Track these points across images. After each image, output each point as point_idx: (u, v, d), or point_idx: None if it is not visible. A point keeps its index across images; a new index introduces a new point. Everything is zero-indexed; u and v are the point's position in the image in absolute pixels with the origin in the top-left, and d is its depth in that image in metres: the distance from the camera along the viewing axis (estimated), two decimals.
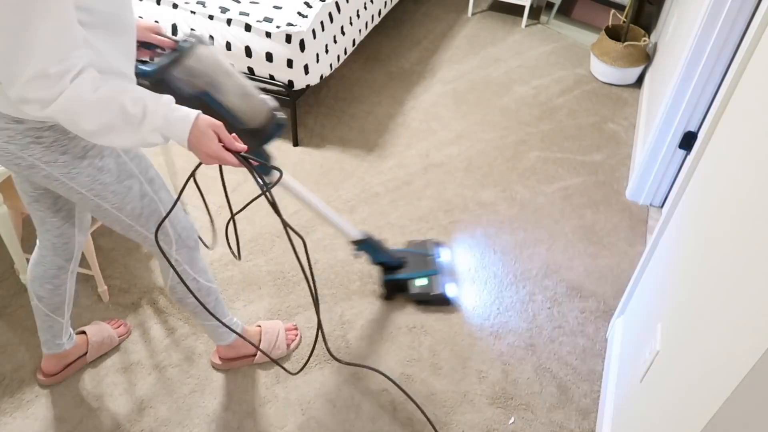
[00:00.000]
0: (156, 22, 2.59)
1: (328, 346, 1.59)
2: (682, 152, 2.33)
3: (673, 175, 2.42)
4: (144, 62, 1.31)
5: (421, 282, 2.06)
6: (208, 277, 1.65)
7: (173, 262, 1.51)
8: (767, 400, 0.85)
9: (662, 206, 2.53)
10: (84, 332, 1.87)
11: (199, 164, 1.22)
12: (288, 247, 2.28)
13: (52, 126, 1.18)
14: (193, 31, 1.40)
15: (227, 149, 1.17)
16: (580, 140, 2.87)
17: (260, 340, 1.87)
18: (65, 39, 0.99)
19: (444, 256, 2.20)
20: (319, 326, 1.41)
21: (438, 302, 2.07)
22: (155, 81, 1.28)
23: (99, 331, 1.89)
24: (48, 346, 1.75)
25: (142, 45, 1.36)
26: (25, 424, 1.73)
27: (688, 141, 2.28)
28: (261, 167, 1.51)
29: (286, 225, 1.25)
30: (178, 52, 1.31)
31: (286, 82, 2.59)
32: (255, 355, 1.88)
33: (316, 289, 1.40)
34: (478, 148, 2.80)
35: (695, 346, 1.14)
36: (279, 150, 2.72)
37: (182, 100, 1.29)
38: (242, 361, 1.88)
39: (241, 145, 1.19)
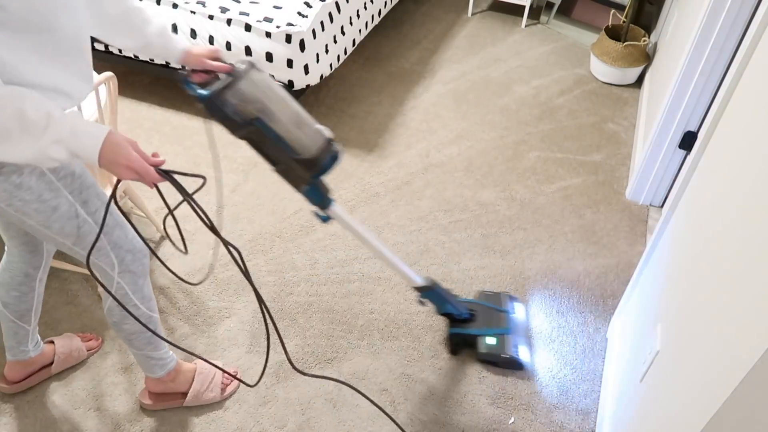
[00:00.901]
0: (212, 45, 2.59)
1: (290, 358, 1.51)
2: (682, 152, 2.33)
3: (673, 175, 2.42)
4: (202, 85, 1.28)
5: (490, 341, 1.89)
6: (151, 305, 1.56)
7: (114, 285, 1.44)
8: (767, 400, 0.85)
9: (662, 206, 2.53)
10: (53, 342, 1.83)
11: (118, 182, 1.18)
12: (288, 247, 2.28)
13: None
14: (248, 58, 1.37)
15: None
16: (580, 140, 2.87)
17: (193, 379, 1.76)
18: None
19: (518, 312, 2.03)
20: (279, 337, 1.39)
21: (508, 365, 1.90)
22: (209, 105, 1.26)
23: (68, 343, 1.84)
24: (12, 353, 1.71)
25: (200, 70, 1.34)
26: (25, 425, 1.73)
27: (688, 141, 2.28)
28: (317, 199, 1.47)
29: (218, 235, 1.23)
30: (233, 76, 1.27)
31: (286, 82, 2.59)
32: (186, 394, 1.75)
33: (263, 303, 1.36)
34: (478, 148, 2.80)
35: (695, 346, 1.13)
36: None
37: (235, 126, 1.27)
38: (172, 401, 1.76)
39: (158, 159, 1.15)
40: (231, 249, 1.24)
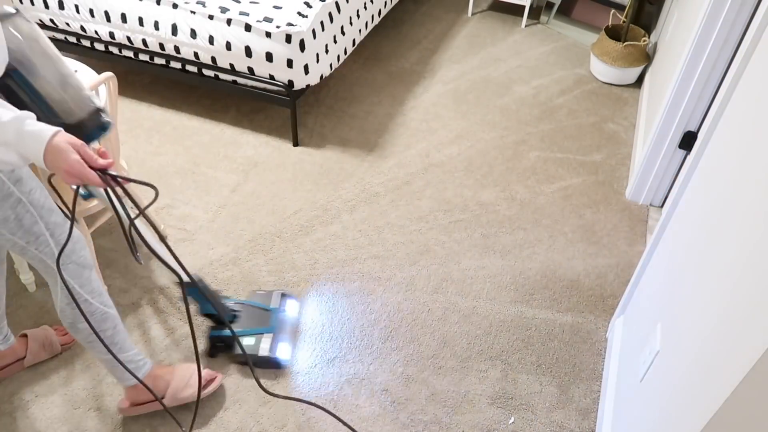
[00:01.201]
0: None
1: (260, 382, 1.50)
2: (682, 152, 2.33)
3: (673, 175, 2.42)
4: None
5: (248, 341, 1.86)
6: (104, 300, 1.51)
7: (59, 280, 1.40)
8: (767, 400, 0.85)
9: (662, 206, 2.53)
10: (26, 336, 1.82)
11: (78, 189, 1.18)
12: (288, 247, 2.28)
13: None
14: (17, 6, 1.27)
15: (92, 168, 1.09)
16: (580, 140, 2.87)
17: (170, 382, 1.70)
18: None
19: (289, 310, 2.00)
20: (242, 349, 1.36)
21: (265, 365, 1.87)
22: None
23: (41, 336, 1.83)
24: None
25: None
26: (25, 424, 1.73)
27: (688, 141, 2.28)
28: None
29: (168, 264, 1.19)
30: None
31: (286, 82, 2.59)
32: (163, 396, 1.70)
33: (191, 321, 1.32)
34: (478, 148, 2.80)
35: (695, 346, 1.13)
36: (279, 150, 2.73)
37: None
38: (150, 406, 1.71)
39: (103, 161, 1.12)
40: (184, 272, 1.19)
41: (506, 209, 2.48)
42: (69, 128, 1.23)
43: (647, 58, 3.22)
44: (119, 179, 1.14)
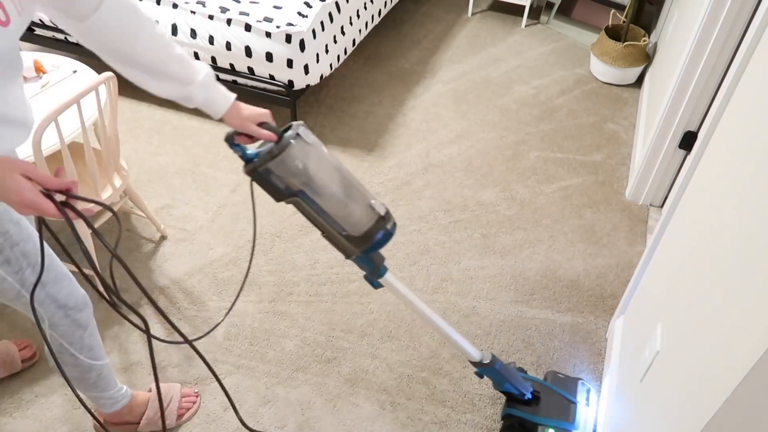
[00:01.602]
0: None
1: (240, 417, 1.50)
2: (682, 152, 2.33)
3: (673, 175, 2.42)
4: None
5: None
6: (93, 354, 1.46)
7: (48, 335, 1.33)
8: (767, 400, 0.85)
9: (662, 206, 2.52)
10: None
11: (42, 220, 1.06)
12: (288, 247, 2.28)
13: None
14: (297, 122, 1.28)
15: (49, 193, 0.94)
16: (580, 140, 2.87)
17: (147, 407, 1.70)
18: None
19: (591, 404, 1.73)
20: (224, 389, 1.30)
21: None
22: (251, 170, 1.20)
23: (2, 351, 1.79)
24: None
25: (244, 135, 1.25)
26: (25, 425, 1.73)
27: (688, 141, 2.28)
28: (368, 267, 1.37)
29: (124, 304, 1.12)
30: (277, 146, 1.19)
31: (286, 82, 2.59)
32: (138, 423, 1.69)
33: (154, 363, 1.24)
34: (478, 148, 2.80)
35: (695, 346, 1.13)
36: None
37: (278, 195, 1.23)
38: (125, 427, 1.70)
39: (59, 181, 0.96)
40: (141, 315, 1.12)
41: (506, 209, 2.48)
42: (355, 239, 1.28)
43: (647, 58, 3.22)
44: (78, 209, 0.98)
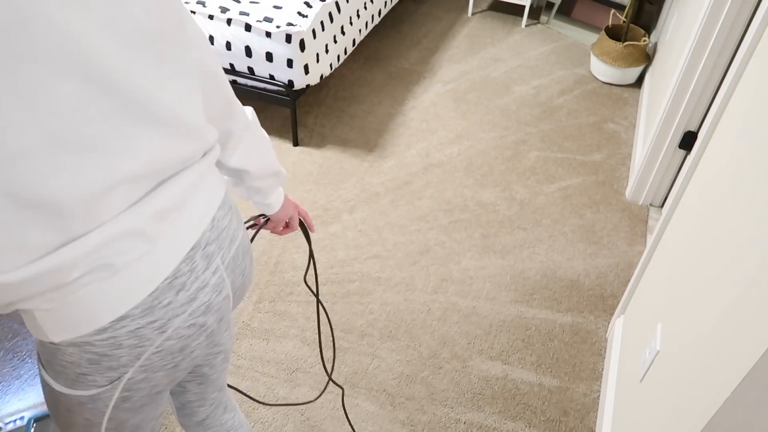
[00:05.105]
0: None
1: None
2: (682, 152, 2.33)
3: (673, 175, 2.42)
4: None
5: None
6: None
7: None
8: (767, 400, 0.85)
9: (662, 206, 2.53)
10: None
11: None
12: (288, 247, 2.28)
13: None
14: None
15: None
16: (580, 140, 2.87)
17: None
18: None
19: None
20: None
21: None
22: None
23: None
24: None
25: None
26: None
27: (688, 141, 2.28)
28: None
29: None
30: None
31: (286, 82, 2.59)
32: None
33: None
34: (478, 148, 2.80)
35: (695, 346, 1.14)
36: (279, 150, 2.73)
37: None
38: None
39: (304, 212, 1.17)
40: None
41: (506, 209, 2.48)
42: None
43: (647, 58, 3.22)
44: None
